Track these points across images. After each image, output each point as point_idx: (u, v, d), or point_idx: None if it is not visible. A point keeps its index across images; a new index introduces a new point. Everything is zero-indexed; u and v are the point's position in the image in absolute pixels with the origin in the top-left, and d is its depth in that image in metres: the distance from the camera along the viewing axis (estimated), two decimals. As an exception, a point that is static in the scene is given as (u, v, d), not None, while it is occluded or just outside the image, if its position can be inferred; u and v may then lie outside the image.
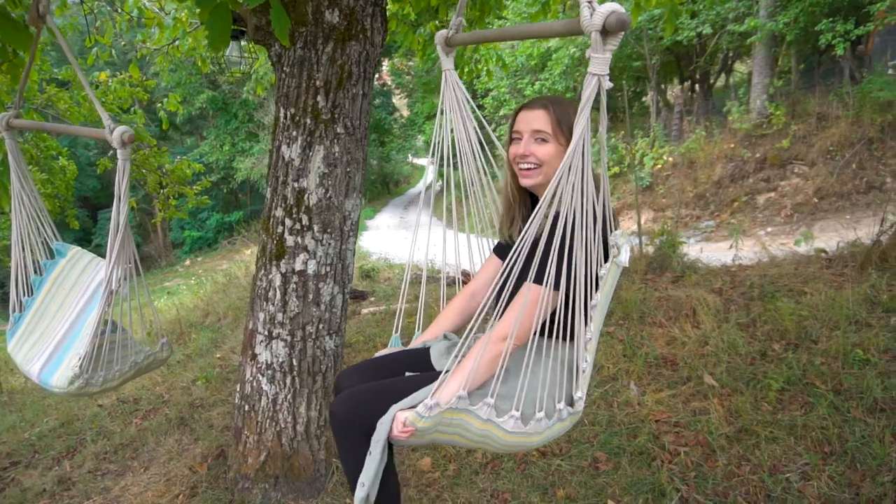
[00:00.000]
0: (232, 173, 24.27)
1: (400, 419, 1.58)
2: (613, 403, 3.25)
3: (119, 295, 2.16)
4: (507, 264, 1.47)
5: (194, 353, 5.78)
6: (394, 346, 2.05)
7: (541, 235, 1.46)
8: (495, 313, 1.53)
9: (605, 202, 1.52)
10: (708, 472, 2.63)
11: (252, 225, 23.00)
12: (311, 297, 2.63)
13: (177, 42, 5.74)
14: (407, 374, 1.82)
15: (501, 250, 1.94)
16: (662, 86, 18.04)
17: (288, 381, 2.67)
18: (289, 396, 2.68)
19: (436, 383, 1.58)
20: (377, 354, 1.97)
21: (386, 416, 1.60)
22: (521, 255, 1.47)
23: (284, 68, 2.53)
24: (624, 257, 1.56)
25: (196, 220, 25.88)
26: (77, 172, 6.58)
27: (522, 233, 1.46)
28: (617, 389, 3.36)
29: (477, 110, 1.96)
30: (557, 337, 1.57)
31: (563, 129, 1.65)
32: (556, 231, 1.44)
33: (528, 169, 1.69)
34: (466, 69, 5.85)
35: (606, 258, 1.56)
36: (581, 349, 1.54)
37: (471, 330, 1.55)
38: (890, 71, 11.10)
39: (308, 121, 2.51)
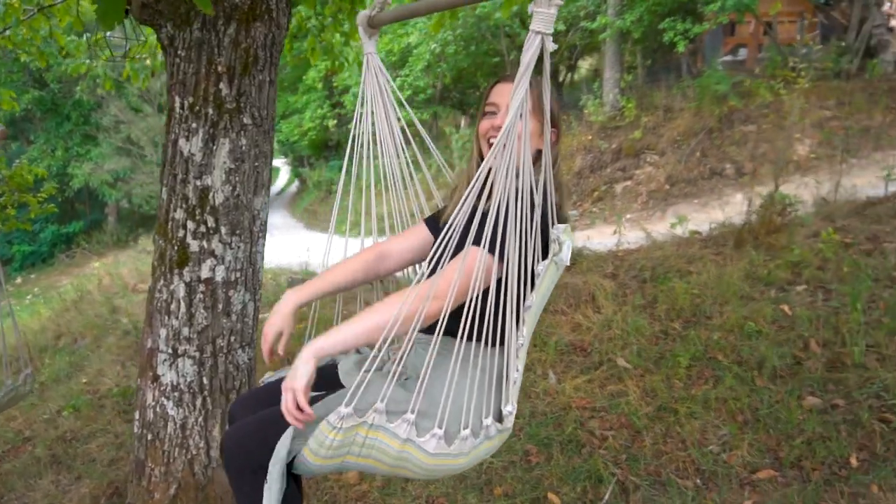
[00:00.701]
0: (67, 180, 22.12)
1: (289, 390, 1.30)
2: (532, 394, 3.24)
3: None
4: (445, 232, 1.29)
5: (50, 380, 5.16)
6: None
7: (477, 207, 1.30)
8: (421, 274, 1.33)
9: (548, 189, 1.39)
10: (637, 452, 2.67)
11: (94, 236, 21.12)
12: (220, 306, 2.37)
13: (7, 32, 5.05)
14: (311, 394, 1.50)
15: (434, 223, 1.73)
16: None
17: (198, 402, 2.39)
18: (200, 419, 2.40)
19: (347, 390, 1.33)
20: (267, 378, 1.72)
21: (281, 440, 1.37)
22: (458, 225, 1.29)
23: (179, 52, 2.25)
24: (565, 255, 1.42)
25: (26, 232, 23.37)
26: None
27: (462, 197, 1.28)
28: (533, 380, 3.35)
29: (401, 98, 1.80)
30: (486, 342, 1.36)
31: (541, 106, 1.44)
32: (493, 200, 1.28)
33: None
34: (329, 63, 5.59)
35: (545, 254, 1.41)
36: (512, 356, 1.37)
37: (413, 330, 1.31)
38: (720, 67, 12.14)
39: (210, 111, 2.25)
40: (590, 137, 12.33)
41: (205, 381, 2.39)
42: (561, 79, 17.65)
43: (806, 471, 2.42)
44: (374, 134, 1.81)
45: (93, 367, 5.09)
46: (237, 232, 2.36)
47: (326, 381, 1.59)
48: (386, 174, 1.85)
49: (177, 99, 2.28)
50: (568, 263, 1.44)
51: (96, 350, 5.75)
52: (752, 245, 4.17)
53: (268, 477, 1.37)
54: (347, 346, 1.36)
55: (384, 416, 1.32)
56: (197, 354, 2.36)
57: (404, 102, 1.82)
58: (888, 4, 12.91)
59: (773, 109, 11.12)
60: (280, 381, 1.60)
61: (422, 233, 1.76)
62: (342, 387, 1.54)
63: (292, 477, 1.43)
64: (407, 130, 1.86)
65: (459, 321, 1.32)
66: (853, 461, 2.42)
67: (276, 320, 1.61)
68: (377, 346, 1.32)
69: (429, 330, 1.35)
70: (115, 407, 3.93)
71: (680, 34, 10.69)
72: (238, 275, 2.39)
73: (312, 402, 1.38)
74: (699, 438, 2.71)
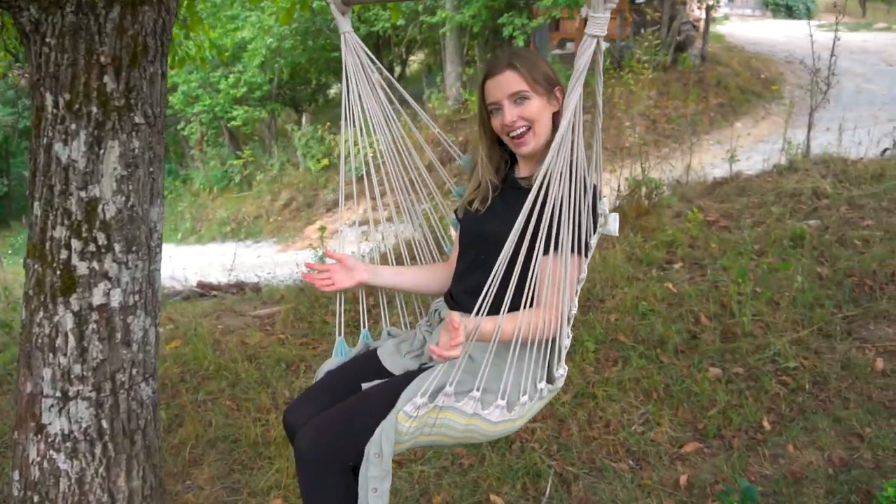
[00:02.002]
0: None
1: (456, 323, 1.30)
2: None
3: None
4: (518, 229, 1.35)
5: None
6: (338, 355, 1.79)
7: (538, 204, 1.36)
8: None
9: (598, 171, 1.51)
10: (567, 441, 2.68)
11: None
12: (118, 336, 2.04)
13: None
14: (363, 385, 1.60)
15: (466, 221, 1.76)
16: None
17: (97, 450, 2.05)
18: (101, 470, 2.06)
19: (427, 375, 1.45)
20: (320, 372, 1.77)
21: (375, 436, 1.42)
22: (527, 220, 1.35)
23: (48, 40, 1.89)
24: (613, 226, 1.54)
25: None
26: None
27: (521, 217, 1.34)
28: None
29: (385, 71, 1.75)
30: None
31: (538, 80, 1.56)
32: (556, 200, 1.37)
33: (521, 134, 1.57)
34: (177, 57, 5.14)
35: (595, 229, 1.52)
36: (565, 325, 1.49)
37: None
38: (557, 60, 12.76)
39: (94, 109, 1.91)
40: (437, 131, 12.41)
41: (104, 424, 2.05)
42: (397, 74, 17.70)
43: (727, 439, 2.56)
44: (364, 115, 1.78)
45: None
46: (134, 249, 2.04)
47: (369, 366, 1.69)
48: (381, 152, 1.85)
49: (48, 96, 1.92)
50: (616, 233, 1.55)
51: None
52: (628, 228, 4.38)
53: (377, 486, 1.40)
54: (494, 339, 1.40)
55: (452, 398, 1.41)
56: (93, 394, 2.02)
57: (392, 79, 1.79)
58: (697, 10, 14.28)
59: (604, 100, 11.90)
60: (335, 375, 1.71)
61: None
62: (388, 373, 1.66)
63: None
64: (399, 107, 1.84)
65: (520, 296, 1.39)
66: (766, 424, 2.59)
67: (345, 273, 1.75)
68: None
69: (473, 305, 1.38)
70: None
71: (518, 28, 11.10)
72: (137, 297, 2.08)
73: (375, 392, 1.52)
74: (622, 420, 2.77)
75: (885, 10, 23.84)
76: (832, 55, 5.45)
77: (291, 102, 18.00)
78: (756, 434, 2.56)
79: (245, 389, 3.34)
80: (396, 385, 1.49)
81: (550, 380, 1.52)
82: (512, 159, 1.74)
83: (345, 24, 1.73)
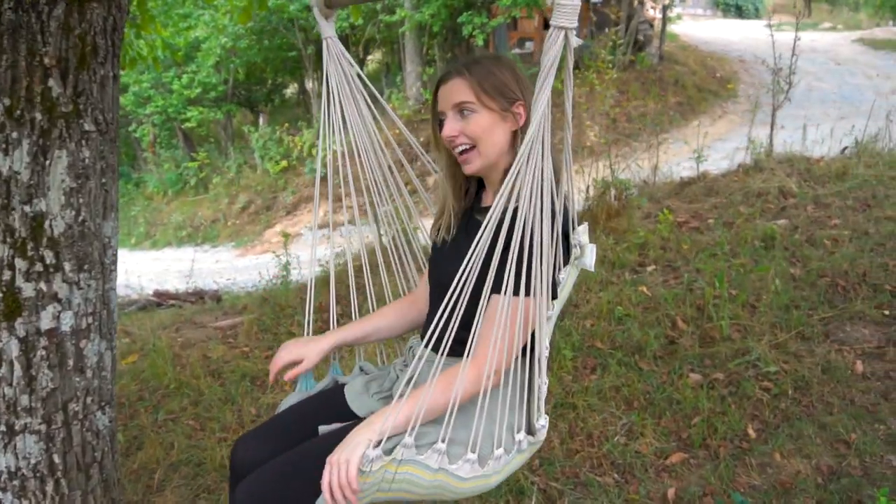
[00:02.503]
0: None
1: (338, 465, 1.20)
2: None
3: None
4: (462, 273, 1.20)
5: None
6: (302, 388, 1.66)
7: (498, 237, 1.20)
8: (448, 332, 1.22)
9: (570, 187, 1.34)
10: (549, 455, 2.59)
11: None
12: (70, 362, 1.87)
13: None
14: (321, 428, 1.45)
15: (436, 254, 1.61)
16: (321, 74, 18.10)
17: (48, 487, 1.87)
18: (53, 509, 1.89)
19: (383, 413, 1.26)
20: (282, 406, 1.66)
21: (320, 500, 1.27)
22: (475, 263, 1.20)
23: (-17, 39, 1.71)
24: (589, 259, 1.37)
25: None
26: None
27: (478, 238, 1.19)
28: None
29: (368, 83, 1.62)
30: (516, 361, 1.33)
31: (490, 92, 1.36)
32: (517, 231, 1.19)
33: (463, 152, 1.40)
34: (128, 58, 4.91)
35: (567, 260, 1.36)
36: (539, 366, 1.33)
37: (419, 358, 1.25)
38: (519, 59, 12.74)
39: (38, 115, 1.74)
40: (397, 131, 12.26)
41: (55, 459, 1.88)
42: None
43: (713, 448, 2.50)
44: (343, 121, 1.67)
45: None
46: (86, 267, 1.88)
47: (333, 404, 1.55)
48: (365, 171, 1.75)
49: (-15, 101, 1.74)
50: (592, 269, 1.37)
51: None
52: (599, 230, 4.33)
53: None
54: (407, 427, 1.25)
55: (413, 450, 1.24)
56: (43, 427, 1.85)
57: (373, 89, 1.70)
58: (651, 10, 14.42)
59: (564, 99, 11.93)
60: (293, 412, 1.57)
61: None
62: (352, 414, 1.51)
63: None
64: (380, 119, 1.74)
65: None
66: (751, 432, 2.54)
67: (307, 347, 1.58)
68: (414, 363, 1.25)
69: (437, 346, 1.25)
70: None
71: (478, 28, 11.02)
72: (90, 320, 1.91)
73: (328, 441, 1.33)
74: (603, 431, 2.69)
75: (829, 11, 24.58)
76: (794, 54, 5.50)
77: (247, 103, 17.62)
78: (741, 443, 2.51)
79: (208, 407, 3.17)
80: (346, 432, 1.31)
81: (531, 431, 1.37)
82: (480, 182, 1.57)
83: (328, 29, 1.62)
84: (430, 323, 1.36)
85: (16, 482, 1.84)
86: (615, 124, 12.15)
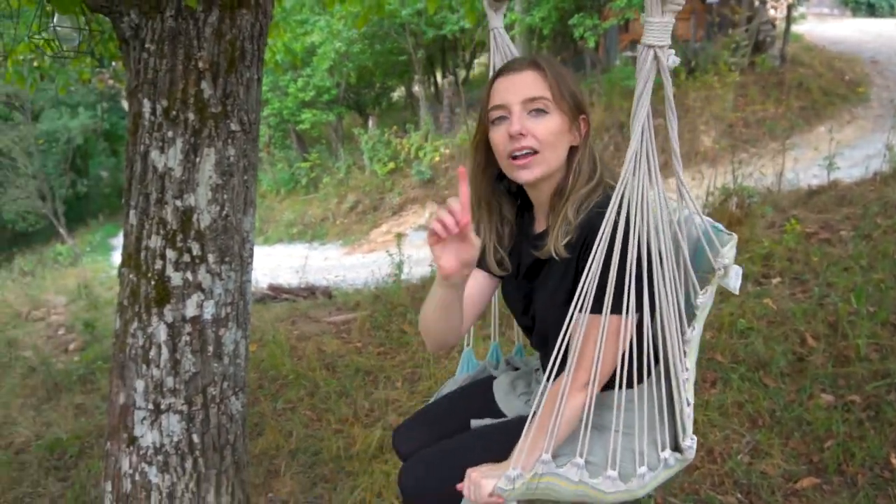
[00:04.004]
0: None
1: (483, 485, 1.22)
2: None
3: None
4: (577, 300, 1.14)
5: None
6: (464, 370, 1.74)
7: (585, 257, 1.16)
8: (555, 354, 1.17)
9: (697, 209, 1.27)
10: (667, 470, 2.50)
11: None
12: (210, 349, 1.99)
13: None
14: (473, 422, 1.49)
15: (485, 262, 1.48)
16: (429, 78, 18.43)
17: (188, 464, 2.00)
18: (191, 484, 2.01)
19: (514, 452, 1.23)
20: (440, 392, 1.71)
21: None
22: (586, 287, 1.14)
23: (147, 46, 1.85)
24: (734, 282, 1.27)
25: None
26: None
27: (588, 267, 1.13)
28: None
29: None
30: (650, 380, 1.25)
31: (565, 94, 1.24)
32: (616, 248, 1.12)
33: (524, 156, 1.23)
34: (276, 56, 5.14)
35: (706, 280, 1.29)
36: (680, 390, 1.28)
37: (548, 377, 1.20)
38: (629, 62, 12.46)
39: (191, 116, 1.87)
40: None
41: (195, 438, 2.00)
42: (461, 78, 17.62)
43: (849, 476, 2.33)
44: None
45: None
46: (227, 259, 1.99)
47: (483, 399, 1.56)
48: None
49: (146, 103, 1.88)
50: (737, 292, 1.28)
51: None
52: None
53: None
54: (521, 463, 1.22)
55: (552, 465, 1.22)
56: (185, 408, 1.97)
57: None
58: (773, 9, 13.70)
59: (677, 103, 11.54)
60: (449, 403, 1.61)
61: (478, 276, 1.48)
62: (501, 412, 1.53)
63: None
64: None
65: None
66: (893, 461, 2.35)
67: (456, 245, 1.20)
68: (540, 390, 1.22)
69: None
70: (41, 463, 3.38)
71: (589, 30, 10.86)
72: (229, 310, 2.02)
73: (480, 437, 1.42)
74: (726, 448, 2.57)
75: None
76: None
77: (356, 106, 18.17)
78: (883, 471, 2.32)
79: (324, 399, 3.28)
80: (504, 439, 1.30)
81: (678, 448, 1.31)
82: (524, 203, 1.42)
83: (496, 20, 1.62)
84: (546, 357, 1.33)
85: (160, 457, 1.97)
86: (732, 129, 11.64)
